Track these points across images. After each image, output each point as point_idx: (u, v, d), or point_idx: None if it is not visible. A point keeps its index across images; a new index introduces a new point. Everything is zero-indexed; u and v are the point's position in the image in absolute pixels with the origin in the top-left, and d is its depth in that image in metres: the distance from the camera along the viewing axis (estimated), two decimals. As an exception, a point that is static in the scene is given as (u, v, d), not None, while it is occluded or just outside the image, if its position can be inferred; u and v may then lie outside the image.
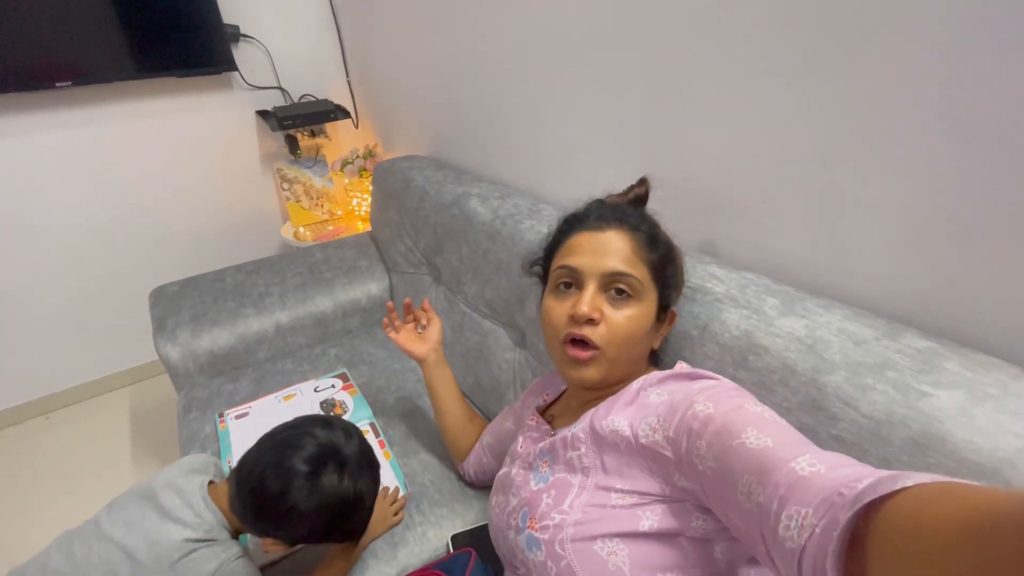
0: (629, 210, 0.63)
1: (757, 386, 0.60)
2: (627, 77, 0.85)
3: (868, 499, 0.30)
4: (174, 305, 1.29)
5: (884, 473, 0.33)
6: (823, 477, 0.35)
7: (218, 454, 1.00)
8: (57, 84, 1.43)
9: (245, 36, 1.69)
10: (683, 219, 0.82)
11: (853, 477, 0.33)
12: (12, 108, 1.46)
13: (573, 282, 0.59)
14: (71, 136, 1.56)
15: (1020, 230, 0.51)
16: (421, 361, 0.90)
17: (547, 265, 0.66)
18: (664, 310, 0.62)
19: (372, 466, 0.72)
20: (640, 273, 0.57)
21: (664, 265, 0.60)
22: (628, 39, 0.83)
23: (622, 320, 0.57)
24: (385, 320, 0.92)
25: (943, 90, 0.52)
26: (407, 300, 0.94)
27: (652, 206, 0.68)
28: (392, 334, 0.91)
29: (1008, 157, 0.50)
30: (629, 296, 0.57)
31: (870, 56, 0.57)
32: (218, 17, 1.58)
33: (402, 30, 1.45)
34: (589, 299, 0.56)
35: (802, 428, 0.54)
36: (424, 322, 0.93)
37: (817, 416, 0.55)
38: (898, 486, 0.29)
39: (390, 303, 0.94)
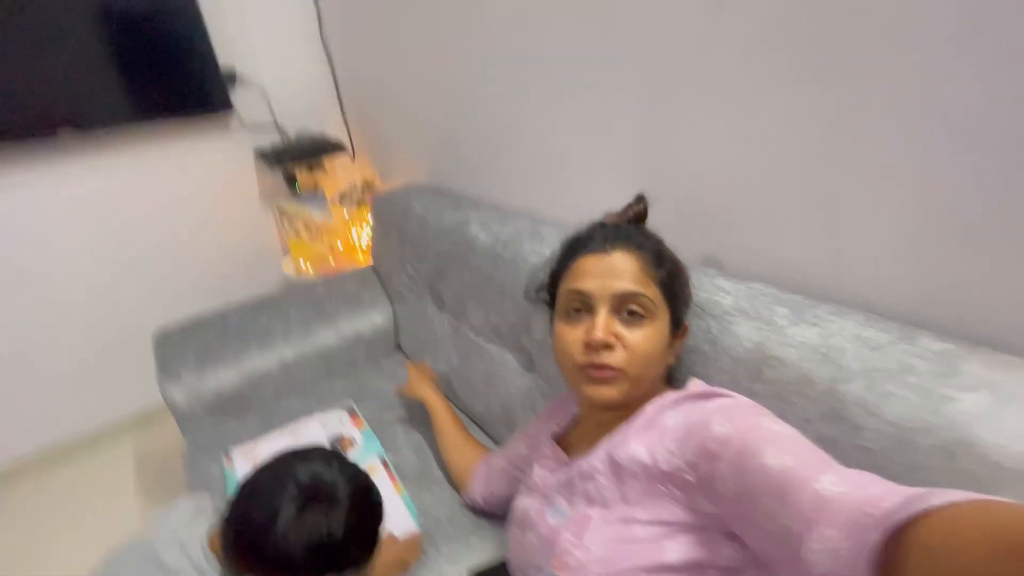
0: (631, 229, 0.63)
1: (775, 398, 0.58)
2: (621, 94, 0.86)
3: (897, 520, 0.28)
4: (178, 346, 1.28)
5: (910, 491, 0.32)
6: (848, 497, 0.34)
7: (226, 497, 0.98)
8: (58, 131, 1.45)
9: (242, 77, 1.73)
10: (684, 233, 0.82)
11: (879, 496, 0.32)
12: (12, 158, 1.47)
13: (584, 307, 0.58)
14: (72, 184, 1.58)
15: (1019, 226, 0.51)
16: (430, 403, 1.01)
17: (553, 290, 0.66)
18: (676, 325, 0.61)
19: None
20: (651, 292, 0.57)
21: (673, 281, 0.60)
22: (621, 56, 0.84)
23: (639, 341, 0.55)
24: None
25: (934, 92, 0.53)
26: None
27: (653, 221, 0.68)
28: (402, 389, 1.09)
29: (1003, 153, 0.50)
30: (643, 316, 0.56)
31: (860, 62, 0.57)
32: (215, 60, 1.62)
33: (394, 61, 1.47)
34: (603, 324, 0.55)
35: (825, 440, 0.53)
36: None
37: (839, 427, 0.53)
38: (925, 505, 0.28)
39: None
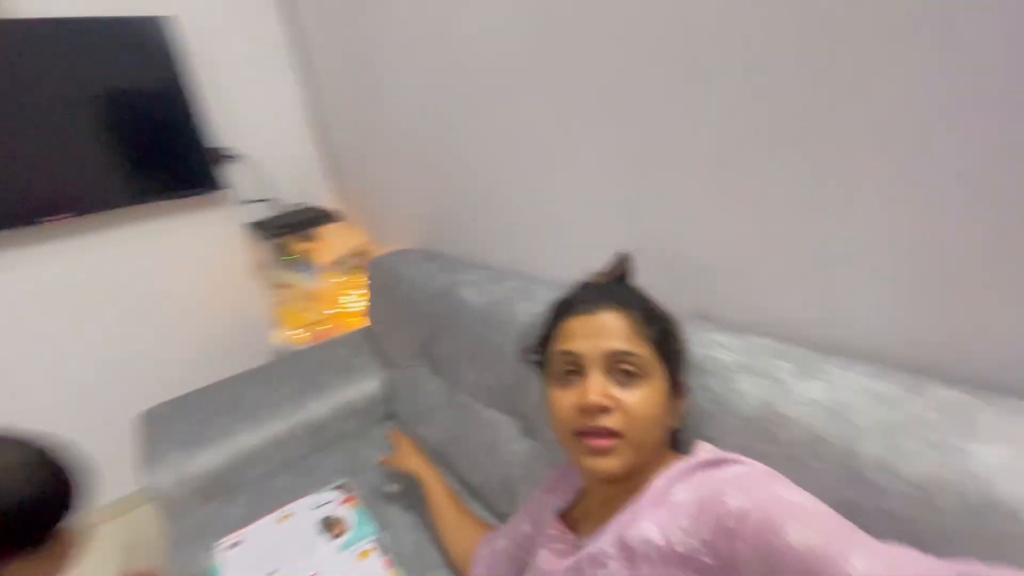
0: (618, 288, 0.61)
1: (789, 460, 0.55)
2: (608, 153, 0.88)
3: None
4: (164, 427, 1.24)
5: (951, 571, 0.29)
6: None
7: (210, 594, 0.90)
8: (43, 219, 1.45)
9: (233, 155, 1.77)
10: (677, 290, 0.81)
11: None
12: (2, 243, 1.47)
13: (575, 369, 0.56)
14: (62, 268, 1.57)
15: (1013, 268, 0.51)
16: (421, 477, 0.96)
17: (543, 353, 0.64)
18: (675, 385, 0.59)
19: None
20: (643, 350, 0.55)
21: (666, 339, 0.58)
22: (607, 118, 0.85)
23: (637, 402, 0.53)
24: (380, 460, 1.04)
25: (926, 132, 0.53)
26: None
27: (644, 279, 0.67)
28: (389, 461, 1.02)
29: (988, 197, 0.50)
30: (638, 376, 0.54)
31: (841, 113, 0.58)
32: (206, 143, 1.66)
33: (386, 129, 1.52)
34: (597, 387, 0.53)
35: (847, 505, 0.49)
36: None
37: (860, 489, 0.50)
38: None
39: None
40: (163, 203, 1.67)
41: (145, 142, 1.58)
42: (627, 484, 0.56)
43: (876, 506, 0.49)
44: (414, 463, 0.99)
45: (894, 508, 0.48)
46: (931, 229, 0.55)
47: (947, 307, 0.56)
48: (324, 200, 1.94)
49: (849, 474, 0.51)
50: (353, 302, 1.84)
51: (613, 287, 0.62)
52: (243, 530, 1.02)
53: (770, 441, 0.58)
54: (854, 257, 0.62)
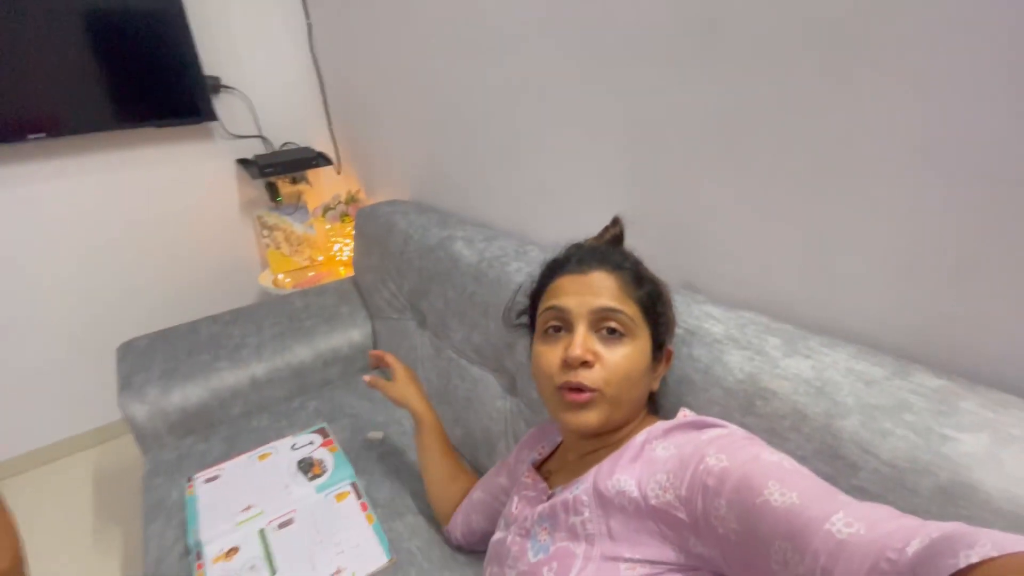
0: (609, 250, 0.61)
1: (768, 433, 0.56)
2: (607, 117, 0.86)
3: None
4: (144, 360, 1.22)
5: (935, 532, 0.29)
6: (863, 539, 0.32)
7: (183, 524, 0.91)
8: (30, 136, 1.40)
9: (226, 86, 1.70)
10: (670, 259, 0.81)
11: (899, 538, 0.30)
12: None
13: (562, 324, 0.56)
14: (45, 188, 1.52)
15: (1007, 262, 0.50)
16: (418, 413, 0.87)
17: (532, 312, 0.64)
18: (659, 348, 0.59)
19: None
20: (630, 310, 0.55)
21: (653, 301, 0.58)
22: (606, 79, 0.83)
23: (618, 359, 0.53)
24: (368, 378, 0.89)
25: (925, 125, 0.52)
26: (373, 353, 0.92)
27: (638, 246, 0.66)
28: (382, 385, 0.88)
29: (991, 188, 0.49)
30: (622, 334, 0.54)
31: (850, 93, 0.57)
32: (199, 68, 1.58)
33: (384, 76, 1.46)
34: (581, 340, 0.53)
35: (820, 477, 0.51)
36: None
37: (836, 465, 0.51)
38: (962, 563, 0.25)
39: (372, 352, 0.92)
40: (151, 129, 1.61)
41: (135, 64, 1.51)
42: (604, 440, 0.56)
43: (849, 482, 0.50)
44: (411, 394, 0.87)
45: (866, 485, 0.49)
46: (932, 218, 0.54)
47: (940, 297, 0.56)
48: (317, 143, 1.88)
49: (826, 449, 0.52)
50: (344, 249, 1.81)
51: (605, 249, 0.61)
52: (221, 465, 1.03)
53: (752, 413, 0.58)
54: (852, 240, 0.61)
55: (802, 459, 0.53)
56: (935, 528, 0.31)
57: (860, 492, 0.49)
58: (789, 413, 0.55)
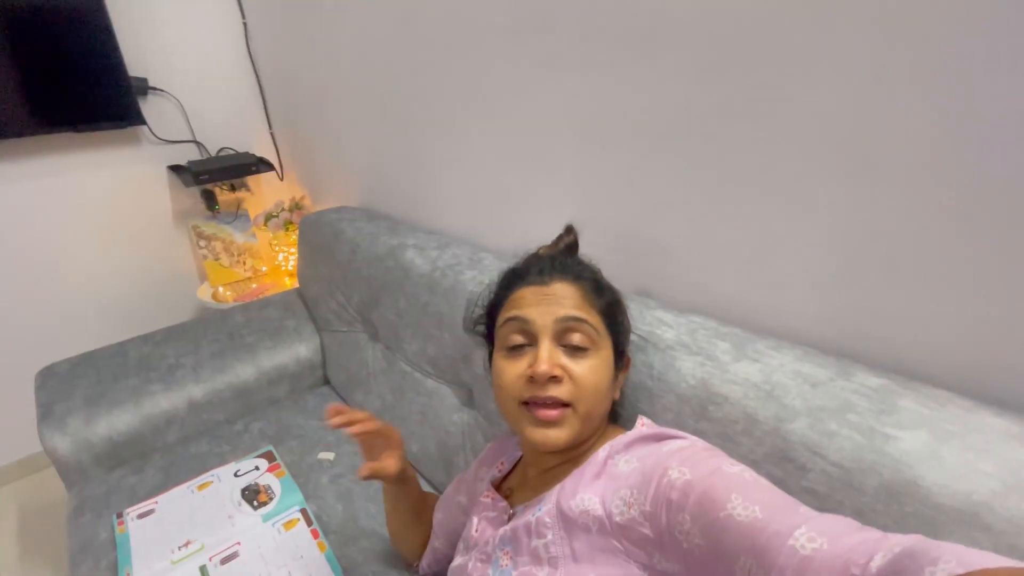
0: (568, 260, 0.60)
1: (720, 437, 0.56)
2: (555, 122, 0.85)
3: None
4: (65, 387, 1.12)
5: (896, 547, 0.30)
6: (827, 555, 0.32)
7: (114, 566, 0.84)
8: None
9: (154, 88, 1.59)
10: (621, 264, 0.81)
11: (861, 552, 0.30)
12: None
13: (525, 339, 0.54)
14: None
15: (941, 260, 0.52)
16: (406, 473, 0.70)
17: (491, 324, 0.61)
18: (620, 357, 0.58)
19: None
20: (594, 320, 0.54)
21: (614, 310, 0.58)
22: (554, 85, 0.82)
23: (586, 372, 0.52)
24: (365, 472, 0.66)
25: (856, 124, 0.54)
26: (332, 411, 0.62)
27: (590, 253, 0.66)
28: (379, 470, 0.66)
29: (924, 188, 0.51)
30: (586, 348, 0.53)
31: (782, 97, 0.58)
32: (123, 68, 1.47)
33: (327, 77, 1.40)
34: (547, 355, 0.51)
35: (772, 481, 0.51)
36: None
37: (786, 467, 0.52)
38: None
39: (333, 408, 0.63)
40: (71, 135, 1.48)
41: (51, 64, 1.38)
42: (566, 454, 0.55)
43: (799, 484, 0.51)
44: (401, 466, 0.68)
45: (816, 487, 0.50)
46: (865, 217, 0.56)
47: (877, 295, 0.58)
48: (258, 148, 1.79)
49: (776, 453, 0.53)
50: (289, 259, 1.73)
51: (564, 259, 0.61)
52: (156, 498, 0.95)
53: (704, 418, 0.58)
54: (792, 241, 0.63)
55: (754, 463, 0.53)
56: (897, 542, 0.31)
57: (810, 494, 0.50)
58: (740, 418, 0.55)
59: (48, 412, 1.06)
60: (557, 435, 0.52)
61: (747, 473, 0.43)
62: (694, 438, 0.50)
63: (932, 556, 0.28)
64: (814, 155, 0.58)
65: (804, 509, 0.39)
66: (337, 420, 0.61)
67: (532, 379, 0.52)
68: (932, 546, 0.29)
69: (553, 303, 0.54)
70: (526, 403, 0.53)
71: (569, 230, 0.66)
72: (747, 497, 0.39)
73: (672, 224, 0.75)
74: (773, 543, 0.35)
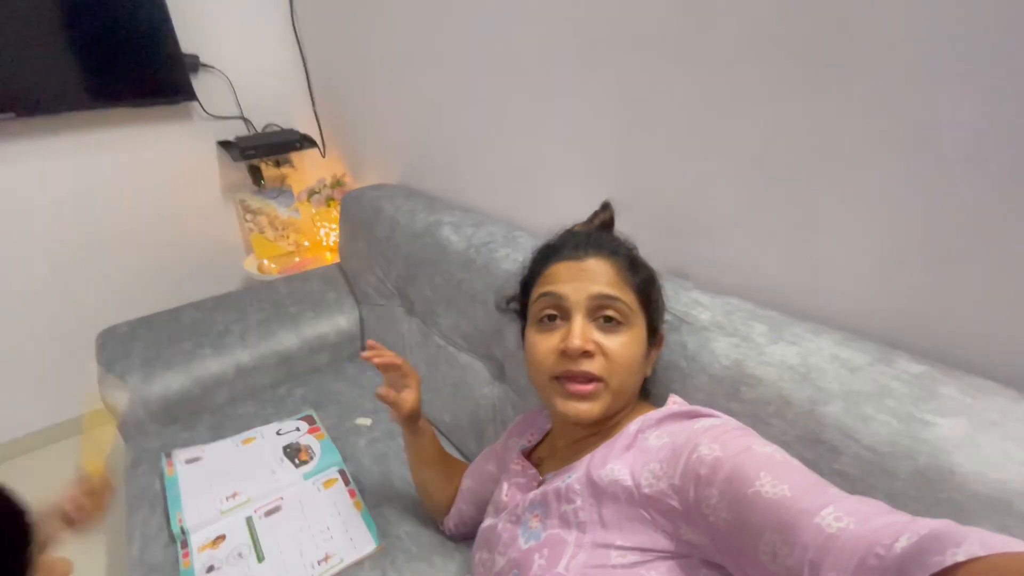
0: (604, 236, 0.61)
1: (752, 419, 0.56)
2: (597, 100, 0.84)
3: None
4: (124, 347, 1.20)
5: (922, 530, 0.30)
6: (853, 534, 0.32)
7: (167, 511, 0.91)
8: (3, 114, 1.34)
9: (205, 65, 1.64)
10: (658, 244, 0.80)
11: (888, 534, 0.30)
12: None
13: (558, 313, 0.55)
14: (15, 170, 1.46)
15: (993, 250, 0.51)
16: (422, 425, 0.76)
17: (524, 299, 0.63)
18: (653, 334, 0.59)
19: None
20: (628, 297, 0.54)
21: (648, 287, 0.58)
22: (597, 62, 0.82)
23: (619, 347, 0.53)
24: (381, 391, 0.72)
25: (916, 110, 0.52)
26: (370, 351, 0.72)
27: (627, 231, 0.66)
28: (393, 399, 0.72)
29: (982, 175, 0.50)
30: (620, 323, 0.54)
31: (840, 76, 0.56)
32: (176, 46, 1.53)
33: (370, 58, 1.42)
34: (580, 330, 0.52)
35: (803, 463, 0.51)
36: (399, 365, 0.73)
37: (817, 450, 0.52)
38: (948, 561, 0.25)
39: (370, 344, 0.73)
40: (127, 110, 1.56)
41: (109, 41, 1.45)
42: (597, 427, 0.56)
43: (830, 466, 0.51)
44: (413, 406, 0.73)
45: (847, 469, 0.50)
46: (914, 204, 0.55)
47: (922, 283, 0.57)
48: (301, 125, 1.84)
49: (808, 435, 0.53)
50: (330, 234, 1.79)
51: (599, 235, 0.61)
52: (202, 447, 1.02)
53: (736, 399, 0.59)
54: (836, 226, 0.62)
55: (785, 445, 0.54)
56: (924, 525, 0.31)
57: (841, 476, 0.50)
58: (773, 399, 0.56)
59: (109, 370, 1.14)
60: (589, 408, 0.53)
61: (778, 454, 0.44)
62: (726, 417, 0.50)
63: (957, 539, 0.28)
64: (868, 134, 0.56)
65: (834, 490, 0.39)
66: (369, 353, 0.70)
67: (565, 353, 0.53)
68: (958, 530, 0.29)
69: (587, 279, 0.54)
70: (558, 377, 0.54)
71: (605, 207, 0.66)
72: (777, 476, 0.39)
73: (711, 206, 0.74)
74: (799, 520, 0.35)
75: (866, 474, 0.49)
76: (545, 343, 0.55)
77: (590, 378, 0.52)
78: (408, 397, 0.72)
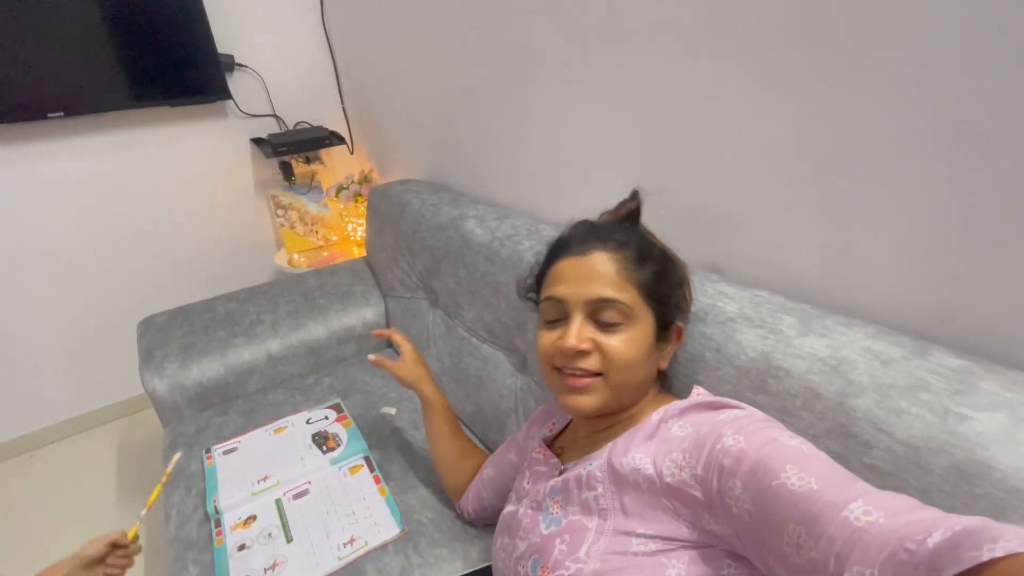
0: (615, 228, 0.60)
1: (779, 411, 0.55)
2: (624, 92, 0.84)
3: (949, 573, 0.25)
4: (162, 336, 1.25)
5: (956, 525, 0.28)
6: (882, 528, 0.31)
7: (203, 493, 0.94)
8: (49, 115, 1.42)
9: (240, 65, 1.70)
10: (688, 237, 0.79)
11: (919, 529, 0.29)
12: (2, 139, 1.44)
13: (560, 314, 0.57)
14: (62, 166, 1.54)
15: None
16: (426, 395, 0.86)
17: (537, 294, 0.64)
18: (665, 328, 0.58)
19: None
20: (628, 296, 0.54)
21: (658, 281, 0.57)
22: (623, 55, 0.81)
23: (617, 345, 0.53)
24: (373, 357, 0.88)
25: (951, 100, 0.50)
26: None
27: (654, 223, 0.65)
28: (388, 364, 0.87)
29: (1018, 166, 0.47)
30: (619, 323, 0.54)
31: (875, 67, 0.55)
32: (213, 47, 1.58)
33: (396, 55, 1.45)
34: (576, 331, 0.54)
35: (832, 457, 0.50)
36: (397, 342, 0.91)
37: (847, 443, 0.51)
38: (985, 556, 0.25)
39: (376, 332, 0.95)
40: (166, 108, 1.62)
41: (151, 43, 1.51)
42: (616, 417, 0.57)
43: (860, 460, 0.50)
44: (418, 375, 0.87)
45: (879, 464, 0.49)
46: (952, 197, 0.53)
47: (961, 276, 0.54)
48: (330, 122, 1.88)
49: (838, 428, 0.51)
50: (357, 229, 1.82)
51: (609, 227, 0.60)
52: (238, 438, 1.05)
53: (763, 391, 0.58)
54: (878, 219, 0.59)
55: (813, 438, 0.53)
56: (958, 521, 0.30)
57: (872, 471, 0.49)
58: (801, 392, 0.54)
59: (148, 357, 1.19)
60: (586, 401, 0.54)
61: (805, 446, 0.43)
62: (752, 409, 0.49)
63: (994, 535, 0.27)
64: (903, 122, 0.54)
65: (863, 484, 0.38)
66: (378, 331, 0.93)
67: (562, 351, 0.54)
68: (995, 526, 0.28)
69: (587, 280, 0.55)
70: (559, 369, 0.56)
71: (633, 195, 0.65)
72: (803, 468, 0.39)
73: (745, 197, 0.73)
74: (825, 512, 0.35)
75: (899, 468, 0.47)
76: (548, 337, 0.57)
77: (587, 372, 0.54)
78: (398, 366, 0.86)
